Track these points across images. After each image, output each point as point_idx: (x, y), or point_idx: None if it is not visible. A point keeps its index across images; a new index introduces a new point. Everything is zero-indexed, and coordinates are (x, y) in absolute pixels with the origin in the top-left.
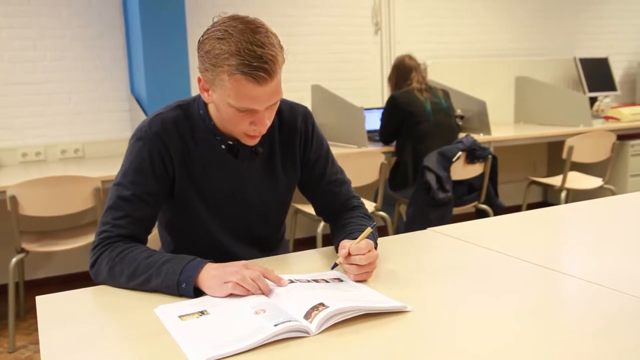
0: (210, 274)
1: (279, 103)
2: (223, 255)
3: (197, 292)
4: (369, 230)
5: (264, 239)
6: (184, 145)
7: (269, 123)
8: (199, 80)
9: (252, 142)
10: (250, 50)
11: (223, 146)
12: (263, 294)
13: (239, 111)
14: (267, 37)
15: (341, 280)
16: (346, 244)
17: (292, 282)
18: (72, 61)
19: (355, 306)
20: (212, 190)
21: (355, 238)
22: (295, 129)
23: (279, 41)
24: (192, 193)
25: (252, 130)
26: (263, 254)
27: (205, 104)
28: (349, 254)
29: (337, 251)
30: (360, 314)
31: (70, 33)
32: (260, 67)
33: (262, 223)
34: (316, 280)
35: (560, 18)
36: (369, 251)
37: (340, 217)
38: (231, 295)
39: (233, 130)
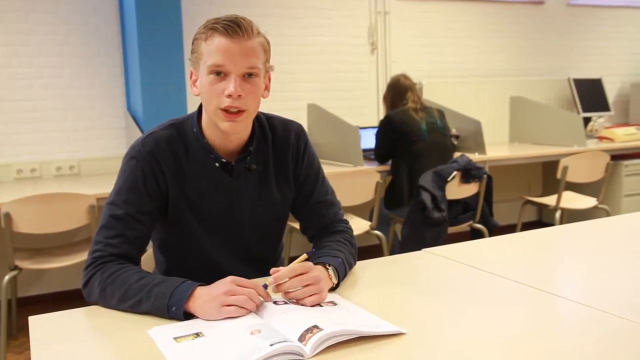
0: (202, 299)
1: (259, 86)
2: (217, 274)
3: (188, 315)
4: (303, 257)
5: (260, 257)
6: (177, 163)
7: (246, 102)
8: (191, 75)
9: (231, 125)
10: (225, 15)
11: (217, 164)
12: (256, 305)
13: (214, 77)
14: (244, 17)
15: (335, 304)
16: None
17: (285, 303)
18: (69, 79)
19: (349, 330)
20: (206, 208)
21: (323, 263)
22: (288, 145)
23: (262, 31)
24: (186, 211)
25: (227, 102)
26: (260, 272)
27: (199, 122)
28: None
29: None
30: (355, 337)
31: (67, 51)
32: (232, 22)
33: (258, 241)
34: None
35: (554, 39)
36: (298, 275)
37: (321, 240)
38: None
39: (211, 111)
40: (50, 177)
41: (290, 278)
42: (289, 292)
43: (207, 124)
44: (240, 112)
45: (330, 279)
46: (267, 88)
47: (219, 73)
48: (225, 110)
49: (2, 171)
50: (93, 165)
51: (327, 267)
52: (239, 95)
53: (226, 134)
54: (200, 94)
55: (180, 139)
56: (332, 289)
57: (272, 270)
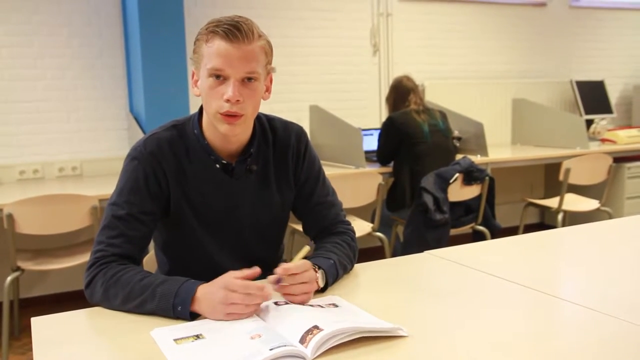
0: (204, 304)
1: (258, 89)
2: (219, 275)
3: (194, 314)
4: (305, 249)
5: (261, 258)
6: (178, 164)
7: (244, 106)
8: (192, 75)
9: (229, 128)
10: (227, 17)
11: (217, 165)
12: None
13: (213, 80)
14: (247, 18)
15: (336, 306)
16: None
17: (287, 303)
18: (72, 80)
19: (350, 327)
20: (207, 208)
21: (316, 264)
22: (288, 147)
23: (263, 33)
24: (187, 212)
25: (225, 107)
26: (261, 274)
27: (200, 123)
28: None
29: None
30: (357, 337)
31: (70, 52)
32: (233, 26)
33: (259, 242)
34: (311, 305)
35: (556, 41)
36: (300, 273)
37: (321, 240)
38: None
39: (211, 114)
40: (53, 178)
41: (291, 275)
42: (284, 285)
43: (208, 125)
44: (238, 115)
45: (317, 281)
46: (268, 90)
47: (219, 77)
48: (224, 114)
49: (5, 172)
50: (95, 167)
51: (317, 270)
52: (237, 100)
53: (225, 136)
54: (200, 95)
55: (181, 140)
56: (320, 291)
57: (283, 265)
